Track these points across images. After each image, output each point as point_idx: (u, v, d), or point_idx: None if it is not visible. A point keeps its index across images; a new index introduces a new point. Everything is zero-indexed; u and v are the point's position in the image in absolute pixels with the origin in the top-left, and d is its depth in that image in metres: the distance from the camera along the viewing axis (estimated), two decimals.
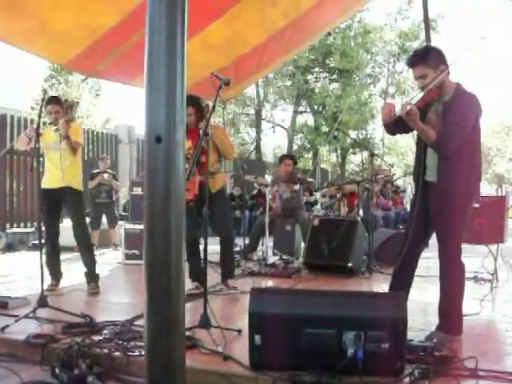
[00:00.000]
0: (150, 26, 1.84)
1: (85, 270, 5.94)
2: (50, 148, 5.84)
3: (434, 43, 9.82)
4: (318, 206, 11.19)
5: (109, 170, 10.65)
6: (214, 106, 4.71)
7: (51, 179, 5.81)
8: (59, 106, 5.85)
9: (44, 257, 5.85)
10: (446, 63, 3.91)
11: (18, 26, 5.72)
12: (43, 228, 5.79)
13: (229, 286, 5.74)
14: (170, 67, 1.78)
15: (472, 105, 3.89)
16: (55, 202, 5.91)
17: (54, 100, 5.97)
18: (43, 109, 5.12)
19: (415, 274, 4.30)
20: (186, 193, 5.20)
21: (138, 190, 8.65)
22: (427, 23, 9.88)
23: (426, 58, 3.89)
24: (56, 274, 6.03)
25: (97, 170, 10.41)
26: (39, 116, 4.87)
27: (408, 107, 3.72)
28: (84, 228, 6.08)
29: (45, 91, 6.77)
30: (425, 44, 8.69)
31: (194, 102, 5.49)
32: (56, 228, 6.05)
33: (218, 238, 5.73)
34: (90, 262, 5.96)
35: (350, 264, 6.85)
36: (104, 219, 10.39)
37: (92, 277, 5.92)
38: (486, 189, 44.97)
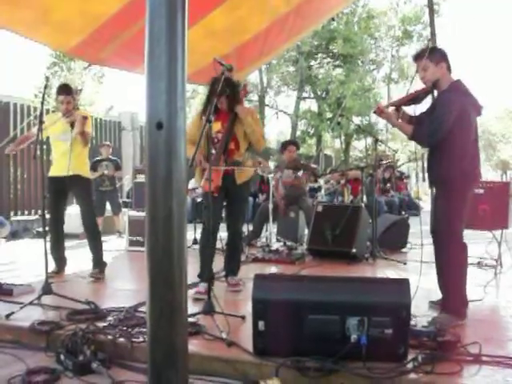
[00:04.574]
0: (151, 13, 1.83)
1: (92, 256, 5.98)
2: (59, 138, 5.85)
3: (437, 27, 9.80)
4: (322, 192, 11.20)
5: (111, 157, 10.64)
6: (215, 93, 4.68)
7: (59, 168, 5.81)
8: (70, 96, 5.82)
9: (49, 244, 5.89)
10: (447, 62, 4.20)
11: (20, 15, 5.71)
12: (48, 215, 5.81)
13: (229, 284, 5.32)
14: (170, 54, 1.77)
15: (453, 100, 4.09)
16: (62, 190, 5.93)
17: (65, 90, 5.89)
18: (46, 97, 5.12)
19: (421, 260, 4.36)
20: (207, 183, 4.76)
21: (141, 177, 8.66)
22: (431, 7, 9.84)
23: (430, 53, 4.17)
24: (60, 261, 6.05)
25: (99, 158, 10.37)
26: (42, 103, 4.87)
27: (377, 107, 4.34)
28: (92, 215, 6.09)
29: (47, 78, 6.76)
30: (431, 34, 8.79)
31: (225, 79, 4.72)
32: (61, 215, 6.07)
33: (226, 231, 5.33)
34: (97, 250, 5.99)
35: (353, 250, 6.84)
36: (108, 206, 10.40)
37: (99, 264, 5.94)
38: (491, 175, 44.89)
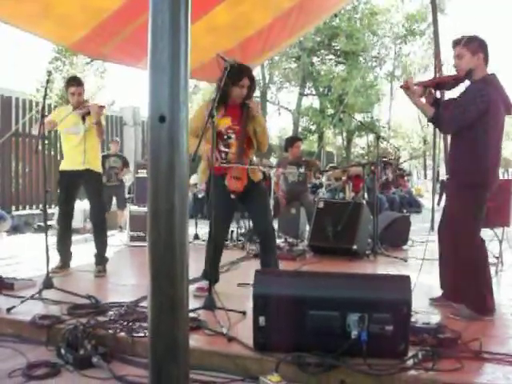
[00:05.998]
0: (154, 7, 1.82)
1: (95, 251, 5.97)
2: (71, 132, 5.82)
3: (441, 25, 9.79)
4: (323, 189, 11.20)
5: (119, 153, 10.72)
6: (220, 88, 4.65)
7: (72, 162, 5.80)
8: (82, 88, 5.78)
9: (55, 238, 5.89)
10: (485, 53, 4.08)
11: (22, 9, 5.70)
12: (55, 209, 5.80)
13: None
14: (173, 48, 1.77)
15: (482, 92, 3.99)
16: (74, 185, 5.90)
17: (77, 81, 5.84)
18: (48, 91, 5.09)
19: (422, 258, 4.41)
20: (236, 182, 4.57)
21: (143, 173, 8.64)
22: (434, 4, 9.82)
23: (468, 42, 4.07)
24: (65, 256, 6.01)
25: (106, 153, 10.38)
26: (44, 98, 4.86)
27: (406, 82, 4.30)
28: (102, 212, 6.08)
29: (49, 73, 6.74)
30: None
31: (250, 73, 4.55)
32: (71, 210, 6.05)
33: (257, 237, 4.88)
34: (102, 245, 5.98)
35: (354, 247, 6.84)
36: (113, 201, 10.42)
37: (101, 259, 5.93)
38: None
